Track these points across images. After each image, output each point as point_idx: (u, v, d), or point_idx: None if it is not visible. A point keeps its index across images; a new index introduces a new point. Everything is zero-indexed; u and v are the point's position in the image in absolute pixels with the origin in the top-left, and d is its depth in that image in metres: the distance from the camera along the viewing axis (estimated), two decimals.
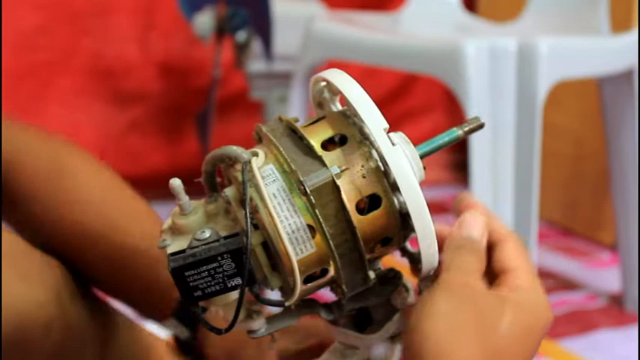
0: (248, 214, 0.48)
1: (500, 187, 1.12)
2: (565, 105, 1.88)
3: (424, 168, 0.51)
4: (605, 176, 1.65)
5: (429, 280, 0.51)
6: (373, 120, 0.48)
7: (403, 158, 0.48)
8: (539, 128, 1.12)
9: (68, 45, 1.87)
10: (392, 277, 0.53)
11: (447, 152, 2.12)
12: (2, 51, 1.76)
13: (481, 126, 0.51)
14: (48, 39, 1.84)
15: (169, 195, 0.56)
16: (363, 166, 0.49)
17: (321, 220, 0.48)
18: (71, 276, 0.74)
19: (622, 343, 1.38)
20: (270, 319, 0.53)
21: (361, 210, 0.49)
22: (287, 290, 0.51)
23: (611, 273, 1.65)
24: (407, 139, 0.50)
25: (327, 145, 0.50)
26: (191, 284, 0.49)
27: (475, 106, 1.10)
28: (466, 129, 0.51)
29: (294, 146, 0.50)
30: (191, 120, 1.91)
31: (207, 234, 0.50)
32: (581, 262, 1.75)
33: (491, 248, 0.51)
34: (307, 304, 0.54)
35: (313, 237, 0.49)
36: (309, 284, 0.50)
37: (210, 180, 0.53)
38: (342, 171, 0.48)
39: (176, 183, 0.51)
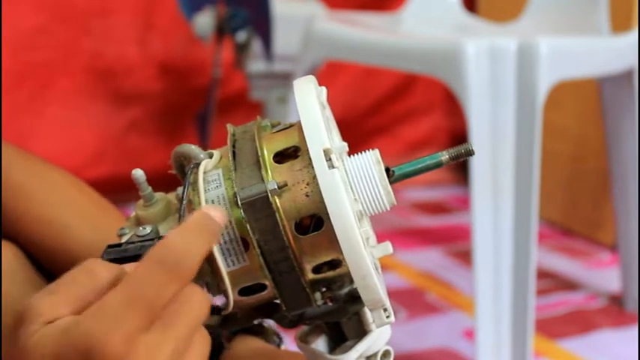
0: (180, 217, 0.47)
1: (501, 187, 1.12)
2: (565, 105, 1.88)
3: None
4: (605, 176, 1.65)
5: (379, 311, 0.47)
6: (313, 139, 0.44)
7: (337, 184, 0.44)
8: (539, 128, 1.12)
9: (68, 45, 1.87)
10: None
11: None
12: (2, 51, 1.76)
13: (469, 153, 0.47)
14: (48, 39, 1.84)
15: None
16: (308, 185, 0.46)
17: (251, 234, 0.46)
18: (34, 264, 0.71)
19: (622, 343, 1.38)
20: (226, 319, 0.52)
21: (305, 229, 0.46)
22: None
23: (611, 273, 1.65)
24: (378, 158, 0.47)
25: (284, 156, 0.47)
26: None
27: (475, 106, 1.11)
28: (452, 154, 0.48)
29: (251, 153, 0.48)
30: (191, 120, 1.91)
31: (147, 230, 0.49)
32: (581, 262, 1.75)
33: None
34: (263, 310, 0.52)
35: (247, 250, 0.46)
36: (246, 297, 0.48)
37: (181, 173, 0.51)
38: (280, 187, 0.45)
39: (138, 173, 0.50)
